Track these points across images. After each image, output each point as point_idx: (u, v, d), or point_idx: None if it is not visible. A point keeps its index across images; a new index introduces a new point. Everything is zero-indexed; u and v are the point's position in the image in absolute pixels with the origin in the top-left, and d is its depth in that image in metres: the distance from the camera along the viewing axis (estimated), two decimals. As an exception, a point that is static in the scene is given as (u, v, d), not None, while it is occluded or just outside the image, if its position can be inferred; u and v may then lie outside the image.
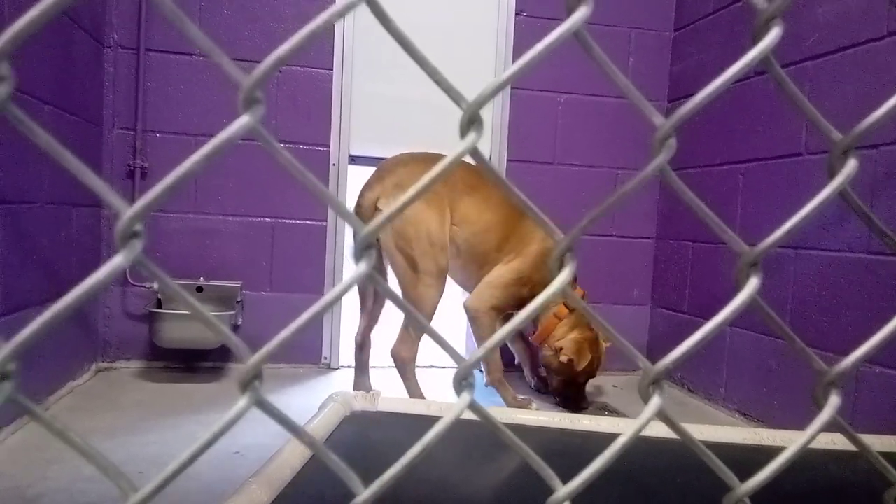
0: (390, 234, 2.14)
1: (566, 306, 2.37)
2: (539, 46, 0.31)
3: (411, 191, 0.32)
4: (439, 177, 0.32)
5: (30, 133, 0.27)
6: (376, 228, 0.31)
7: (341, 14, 0.28)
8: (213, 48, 0.28)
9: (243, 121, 0.28)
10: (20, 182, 1.85)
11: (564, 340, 2.33)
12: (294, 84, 2.68)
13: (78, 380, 2.34)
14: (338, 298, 0.29)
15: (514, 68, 0.31)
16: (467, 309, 2.30)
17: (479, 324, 2.27)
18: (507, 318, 2.47)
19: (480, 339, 2.31)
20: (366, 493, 0.30)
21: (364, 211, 2.19)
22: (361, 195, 2.23)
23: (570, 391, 2.39)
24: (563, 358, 2.30)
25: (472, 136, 0.31)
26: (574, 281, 2.48)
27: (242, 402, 0.29)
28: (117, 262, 0.27)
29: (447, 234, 2.19)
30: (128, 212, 0.26)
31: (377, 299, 2.32)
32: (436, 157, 2.26)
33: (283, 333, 0.29)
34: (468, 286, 2.39)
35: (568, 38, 0.30)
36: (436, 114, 2.71)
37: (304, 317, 0.30)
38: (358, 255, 0.30)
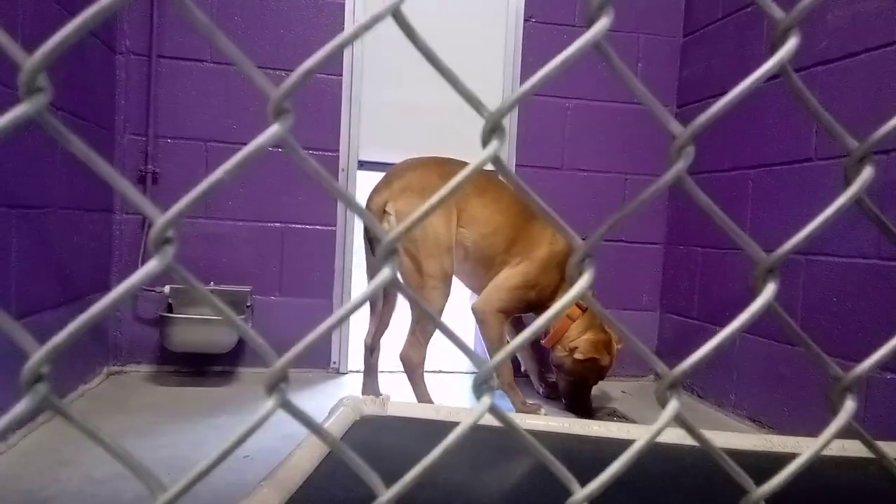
0: None
1: (578, 307, 2.37)
2: (561, 57, 0.31)
3: (434, 198, 0.33)
4: (461, 184, 0.33)
5: (65, 142, 0.28)
6: (399, 235, 0.31)
7: (368, 27, 0.29)
8: (244, 60, 0.29)
9: (273, 130, 0.28)
10: (35, 187, 1.88)
11: (579, 341, 2.33)
12: (304, 90, 2.69)
13: (89, 383, 2.36)
14: (366, 299, 0.30)
15: (536, 78, 0.32)
16: (475, 311, 2.30)
17: (486, 326, 2.28)
18: (514, 321, 2.48)
19: (488, 342, 2.32)
20: (388, 493, 0.31)
21: (372, 215, 2.20)
22: (370, 199, 2.24)
23: (578, 393, 2.39)
24: (579, 355, 2.29)
25: (494, 144, 0.32)
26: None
27: (270, 403, 0.30)
28: (151, 266, 0.28)
29: (454, 237, 2.20)
30: (161, 219, 0.27)
31: (387, 303, 2.33)
32: (443, 162, 2.27)
33: (311, 336, 0.30)
34: (476, 289, 2.40)
35: (589, 48, 0.31)
36: (445, 120, 2.73)
37: (333, 318, 0.30)
38: (382, 261, 0.31)
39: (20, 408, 0.27)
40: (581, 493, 0.33)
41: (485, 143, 0.32)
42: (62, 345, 0.28)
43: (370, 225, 0.33)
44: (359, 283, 2.80)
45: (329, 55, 0.29)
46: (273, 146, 0.29)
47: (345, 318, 0.31)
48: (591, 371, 2.33)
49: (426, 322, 2.13)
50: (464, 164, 0.30)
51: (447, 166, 2.24)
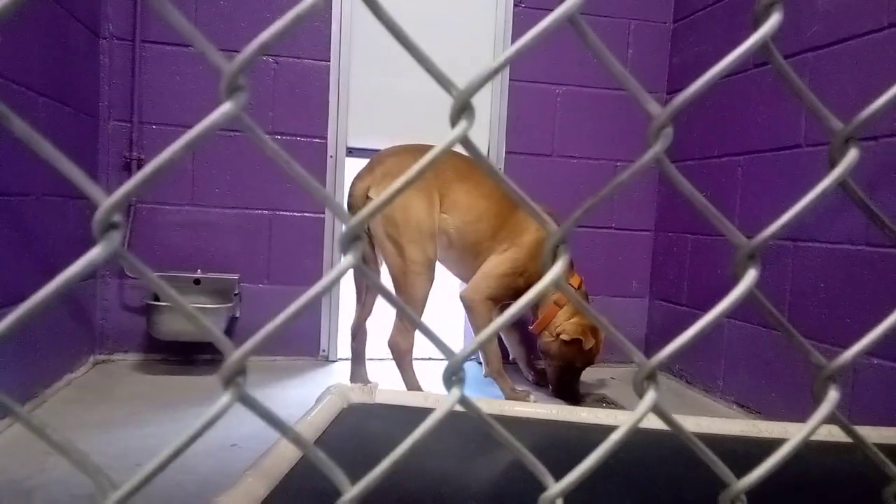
0: (380, 221, 2.14)
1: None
2: (533, 31, 0.30)
3: (400, 180, 0.31)
4: (429, 166, 0.31)
5: (5, 121, 0.26)
6: (364, 219, 0.30)
7: (326, -2, 0.27)
8: (196, 35, 0.27)
9: (225, 108, 0.27)
10: (16, 174, 1.84)
11: (566, 324, 2.32)
12: (292, 76, 2.67)
13: (75, 372, 2.34)
14: (324, 292, 0.28)
15: (507, 54, 0.30)
16: (463, 299, 2.29)
17: (475, 314, 2.27)
18: (503, 308, 2.47)
19: (477, 330, 2.31)
20: (353, 490, 0.30)
21: (355, 201, 2.19)
22: (353, 186, 2.24)
23: (566, 379, 2.38)
24: (565, 337, 2.29)
25: (462, 124, 0.31)
26: (571, 268, 2.46)
27: (225, 398, 0.28)
28: (94, 254, 0.26)
29: (436, 222, 2.19)
30: (105, 202, 0.25)
31: (370, 289, 2.31)
32: (427, 149, 2.25)
33: (267, 328, 0.29)
34: (465, 277, 2.38)
35: (563, 23, 0.30)
36: (434, 106, 2.70)
37: (289, 310, 0.29)
38: (345, 247, 0.29)
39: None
40: (555, 488, 0.32)
41: (454, 123, 0.31)
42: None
43: (334, 209, 0.32)
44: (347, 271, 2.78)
45: (285, 29, 0.27)
46: (225, 126, 0.27)
47: (303, 310, 0.29)
48: (577, 354, 2.32)
49: (412, 308, 2.12)
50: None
51: (428, 152, 2.23)
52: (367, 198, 2.15)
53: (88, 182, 0.27)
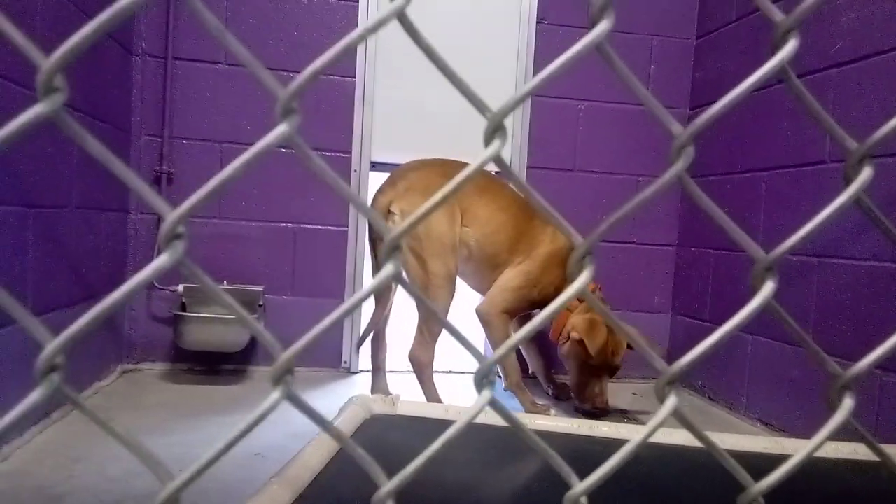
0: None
1: (578, 299, 2.32)
2: (562, 58, 0.32)
3: (436, 196, 0.34)
4: (463, 183, 0.33)
5: (82, 141, 0.29)
6: (402, 232, 0.32)
7: (374, 29, 0.30)
8: (253, 61, 0.30)
9: (281, 130, 0.29)
10: (51, 187, 1.90)
11: (575, 319, 2.29)
12: (317, 91, 2.72)
13: (103, 381, 2.39)
14: (367, 297, 0.30)
15: (537, 80, 0.33)
16: (479, 313, 2.30)
17: (491, 328, 2.27)
18: (523, 319, 2.47)
19: (494, 344, 2.32)
20: (389, 484, 0.32)
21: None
22: (375, 200, 2.27)
23: (590, 386, 2.33)
24: (575, 335, 2.25)
25: (496, 144, 0.33)
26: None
27: (275, 394, 0.31)
28: (162, 261, 0.29)
29: (457, 236, 2.21)
30: (171, 215, 0.28)
31: (380, 304, 2.33)
32: (446, 163, 2.28)
33: (314, 331, 0.31)
34: (482, 290, 2.40)
35: (590, 50, 0.32)
36: (456, 121, 2.74)
37: (335, 314, 0.31)
38: (386, 258, 0.32)
39: (34, 397, 0.28)
40: (579, 486, 0.34)
41: (487, 142, 0.33)
42: (76, 336, 0.29)
43: (375, 223, 0.34)
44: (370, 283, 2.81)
45: (336, 57, 0.29)
46: (281, 146, 0.30)
47: (349, 312, 0.32)
48: (594, 346, 2.24)
49: (433, 321, 2.14)
50: (466, 166, 0.31)
51: (449, 167, 2.26)
52: (389, 212, 2.17)
53: (156, 197, 0.29)
